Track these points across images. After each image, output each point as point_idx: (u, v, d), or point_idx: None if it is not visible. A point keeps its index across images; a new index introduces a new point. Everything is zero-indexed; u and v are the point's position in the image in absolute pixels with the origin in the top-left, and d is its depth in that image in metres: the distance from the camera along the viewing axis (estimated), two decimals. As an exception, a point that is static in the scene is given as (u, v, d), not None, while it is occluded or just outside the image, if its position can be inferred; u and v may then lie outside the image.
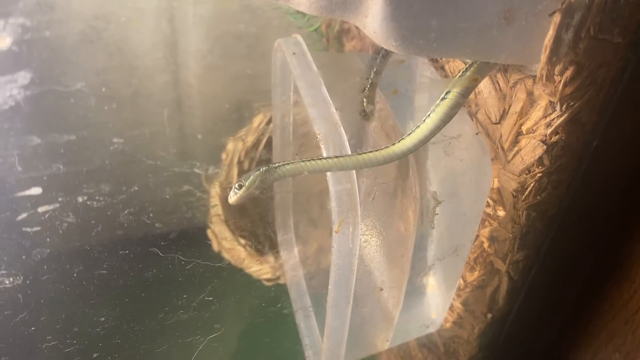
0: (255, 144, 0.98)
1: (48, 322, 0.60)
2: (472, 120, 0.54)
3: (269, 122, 0.98)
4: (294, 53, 0.55)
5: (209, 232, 0.93)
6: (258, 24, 0.96)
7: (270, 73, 0.66)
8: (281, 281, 0.89)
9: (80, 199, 0.64)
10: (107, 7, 0.87)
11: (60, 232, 0.63)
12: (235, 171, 0.97)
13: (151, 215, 0.68)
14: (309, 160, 0.44)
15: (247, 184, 0.46)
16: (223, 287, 0.66)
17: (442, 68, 0.56)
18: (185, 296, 0.61)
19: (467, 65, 0.41)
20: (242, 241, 0.91)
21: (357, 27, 0.81)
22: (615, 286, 0.59)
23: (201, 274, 0.60)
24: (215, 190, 0.95)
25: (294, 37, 0.58)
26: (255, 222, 0.96)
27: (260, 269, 0.89)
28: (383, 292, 0.56)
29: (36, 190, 0.64)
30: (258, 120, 0.98)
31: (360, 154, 0.43)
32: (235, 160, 0.97)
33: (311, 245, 0.85)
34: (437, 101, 0.41)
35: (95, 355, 0.60)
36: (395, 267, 0.55)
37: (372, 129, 0.55)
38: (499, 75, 0.50)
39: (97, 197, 0.64)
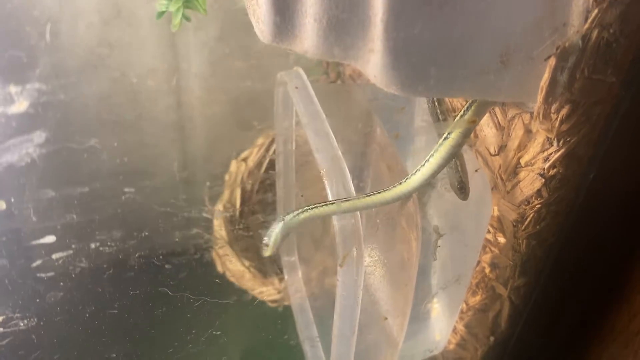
0: (258, 165, 0.99)
1: (60, 361, 0.62)
2: (472, 151, 0.56)
3: (271, 143, 0.99)
4: (296, 87, 0.56)
5: (213, 253, 0.94)
6: (258, 46, 0.97)
7: (271, 95, 0.67)
8: (286, 302, 0.90)
9: (92, 245, 0.65)
10: (110, 34, 0.88)
11: (73, 276, 0.64)
12: (238, 192, 0.98)
13: (161, 257, 0.70)
14: (322, 206, 0.45)
15: (271, 243, 0.48)
16: (231, 320, 0.67)
17: (442, 112, 0.57)
18: (194, 331, 0.62)
19: (466, 106, 0.42)
20: (247, 263, 0.92)
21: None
22: (615, 309, 0.61)
23: (209, 310, 0.61)
24: (219, 212, 0.96)
25: (295, 70, 0.59)
26: (259, 244, 0.97)
27: (264, 290, 0.90)
28: (387, 320, 0.57)
29: (50, 239, 0.65)
30: (260, 142, 0.99)
31: (369, 195, 0.45)
32: (239, 181, 0.98)
33: (315, 267, 0.86)
34: (440, 140, 0.43)
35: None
36: (399, 295, 0.56)
37: (374, 160, 0.56)
38: (497, 110, 0.51)
39: (109, 243, 0.66)
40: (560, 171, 0.47)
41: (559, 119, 0.43)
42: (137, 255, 0.67)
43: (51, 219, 0.66)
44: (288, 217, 0.47)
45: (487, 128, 0.53)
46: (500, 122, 0.51)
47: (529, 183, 0.49)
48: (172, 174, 0.90)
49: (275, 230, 0.48)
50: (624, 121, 0.44)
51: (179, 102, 0.99)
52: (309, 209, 0.46)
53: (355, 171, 0.48)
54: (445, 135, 0.42)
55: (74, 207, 0.68)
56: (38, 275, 0.65)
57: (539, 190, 0.49)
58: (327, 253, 0.81)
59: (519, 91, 0.42)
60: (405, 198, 0.46)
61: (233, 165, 0.98)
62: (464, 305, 0.66)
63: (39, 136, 0.63)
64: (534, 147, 0.48)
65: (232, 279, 0.91)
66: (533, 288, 0.59)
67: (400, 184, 0.44)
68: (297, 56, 0.88)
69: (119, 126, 0.88)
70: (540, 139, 0.47)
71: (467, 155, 0.53)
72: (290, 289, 0.84)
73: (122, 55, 0.89)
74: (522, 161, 0.49)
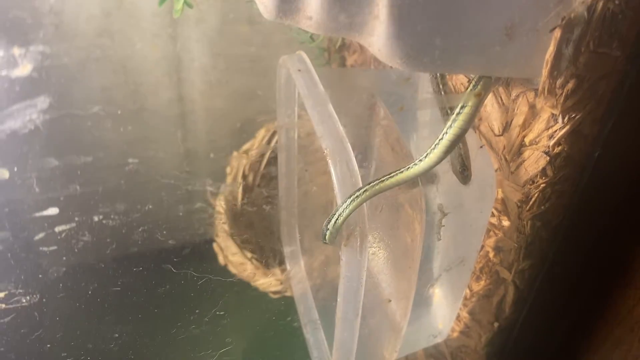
0: (259, 158, 0.99)
1: (63, 339, 0.61)
2: (475, 132, 0.55)
3: (272, 136, 0.99)
4: (299, 70, 0.56)
5: (214, 245, 0.93)
6: (260, 39, 0.97)
7: (273, 88, 0.67)
8: (288, 294, 0.90)
9: (95, 218, 0.65)
10: (111, 25, 0.88)
11: (76, 250, 0.63)
12: (240, 185, 0.98)
13: (164, 232, 0.69)
14: (354, 199, 0.45)
15: (331, 230, 0.47)
16: (234, 302, 0.67)
17: (445, 84, 0.57)
18: (197, 311, 0.61)
19: (475, 80, 0.42)
20: (248, 254, 0.92)
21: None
22: (620, 293, 0.60)
23: (213, 289, 0.61)
24: (220, 205, 0.96)
25: (298, 54, 0.59)
26: (261, 235, 0.96)
27: (266, 281, 0.89)
28: (391, 303, 0.57)
29: (53, 211, 0.65)
30: (261, 135, 0.99)
31: (394, 175, 0.45)
32: (240, 174, 0.98)
33: (317, 257, 0.85)
34: (453, 116, 0.42)
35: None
36: (402, 278, 0.56)
37: (378, 143, 0.55)
38: (501, 89, 0.51)
39: (112, 216, 0.66)
40: (565, 149, 0.47)
41: (564, 94, 0.43)
42: (140, 229, 0.67)
43: (54, 189, 0.65)
44: (335, 216, 0.46)
45: (490, 108, 0.52)
46: (504, 101, 0.51)
47: (534, 162, 0.49)
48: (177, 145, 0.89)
49: (330, 231, 0.47)
50: (629, 97, 0.44)
51: (180, 94, 0.99)
52: (356, 197, 0.46)
53: (358, 154, 0.48)
54: (458, 109, 0.42)
55: (77, 178, 0.67)
56: (41, 249, 0.64)
57: (543, 169, 0.49)
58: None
59: (524, 65, 0.42)
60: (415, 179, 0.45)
61: (234, 157, 0.98)
62: (468, 291, 0.65)
63: (43, 101, 0.62)
64: (539, 125, 0.47)
65: (234, 271, 0.90)
66: (538, 271, 0.58)
67: (421, 160, 0.44)
68: (301, 47, 0.88)
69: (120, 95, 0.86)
70: (545, 116, 0.47)
71: (470, 135, 0.53)
72: (293, 278, 0.83)
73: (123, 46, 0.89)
74: (527, 140, 0.49)
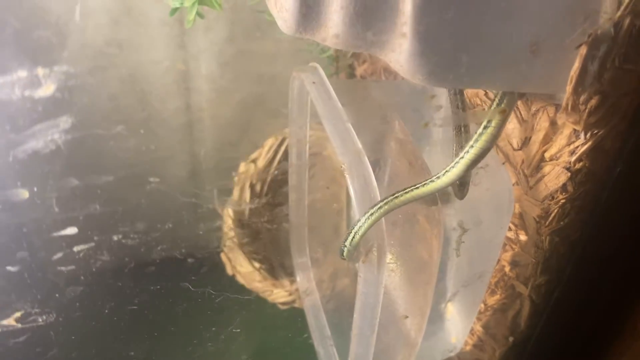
0: (267, 167, 0.99)
1: (78, 358, 0.60)
2: (493, 147, 0.55)
3: (280, 144, 0.98)
4: (313, 82, 0.55)
5: (222, 255, 0.93)
6: (268, 48, 0.97)
7: (281, 97, 0.67)
8: (296, 305, 0.89)
9: (115, 238, 0.64)
10: (119, 34, 0.88)
11: (94, 270, 0.63)
12: (247, 194, 0.97)
13: (183, 250, 0.69)
14: (372, 213, 0.44)
15: (348, 246, 0.47)
16: (250, 319, 0.66)
17: (463, 101, 0.57)
18: (213, 329, 0.61)
19: (499, 97, 0.42)
20: (257, 265, 0.91)
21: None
22: (637, 307, 0.59)
23: (230, 307, 0.60)
24: (227, 214, 0.95)
25: (312, 66, 0.58)
26: (269, 245, 0.96)
27: (275, 292, 0.89)
28: (406, 319, 0.56)
29: (72, 230, 0.64)
30: (270, 143, 0.99)
31: (415, 189, 0.44)
32: (248, 183, 0.98)
33: (326, 268, 0.85)
34: (480, 130, 0.42)
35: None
36: (418, 294, 0.55)
37: (393, 156, 0.55)
38: (520, 104, 0.50)
39: (131, 236, 0.65)
40: (587, 165, 0.46)
41: (587, 110, 0.43)
42: (159, 248, 0.66)
43: (74, 209, 0.65)
44: (355, 231, 0.46)
45: (509, 122, 0.52)
46: (523, 115, 0.50)
47: (554, 177, 0.48)
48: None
49: (347, 249, 0.47)
50: (653, 112, 0.44)
51: (187, 103, 0.98)
52: (374, 212, 0.45)
53: (373, 167, 0.47)
54: (482, 127, 0.41)
55: (98, 197, 0.67)
56: (58, 268, 0.64)
57: (564, 185, 0.48)
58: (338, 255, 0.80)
59: (548, 82, 0.41)
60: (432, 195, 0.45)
61: (242, 167, 0.97)
62: (482, 305, 0.65)
63: (65, 121, 0.62)
64: (560, 140, 0.47)
65: (242, 281, 0.90)
66: (555, 286, 0.58)
67: (440, 176, 0.43)
68: (310, 57, 0.88)
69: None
70: (566, 131, 0.46)
71: (491, 165, 0.52)
72: (302, 290, 0.83)
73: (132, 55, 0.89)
74: (547, 155, 0.49)
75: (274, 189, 1.00)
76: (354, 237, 0.46)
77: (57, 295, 0.62)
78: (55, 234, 0.64)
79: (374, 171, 0.48)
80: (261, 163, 0.98)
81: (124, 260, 0.65)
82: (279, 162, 0.98)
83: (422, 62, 0.37)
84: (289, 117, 0.68)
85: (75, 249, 0.64)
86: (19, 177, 0.66)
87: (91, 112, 0.75)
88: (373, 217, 0.45)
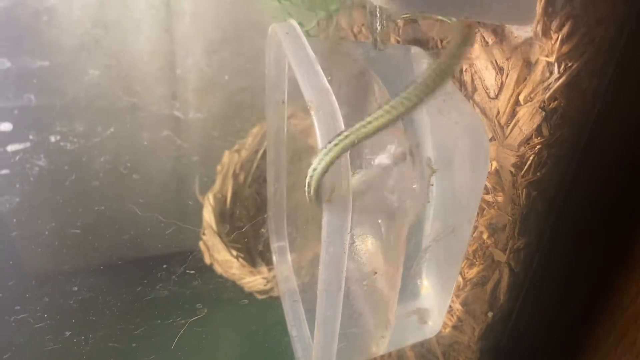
0: (251, 157, 0.97)
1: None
2: (469, 102, 0.53)
3: (265, 135, 0.97)
4: (287, 32, 0.54)
5: (200, 243, 0.90)
6: (256, 37, 0.96)
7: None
8: (274, 294, 0.86)
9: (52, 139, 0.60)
10: (106, 15, 0.87)
11: (31, 179, 0.59)
12: (230, 183, 0.95)
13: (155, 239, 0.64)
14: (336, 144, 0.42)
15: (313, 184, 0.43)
16: (219, 303, 0.62)
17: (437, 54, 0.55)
18: (178, 316, 0.57)
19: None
20: (234, 253, 0.88)
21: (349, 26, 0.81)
22: (623, 279, 0.56)
23: (199, 292, 0.56)
24: (209, 202, 0.93)
25: (289, 22, 0.57)
26: (249, 235, 0.93)
27: (252, 280, 0.85)
28: (376, 275, 0.53)
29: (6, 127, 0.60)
30: (254, 133, 0.97)
31: (376, 117, 0.42)
32: (231, 172, 0.96)
33: (305, 255, 0.82)
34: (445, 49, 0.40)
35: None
36: (389, 248, 0.52)
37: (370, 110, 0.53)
38: (495, 51, 0.49)
39: (70, 138, 0.61)
40: (562, 104, 0.45)
41: (559, 38, 0.41)
42: (132, 232, 0.62)
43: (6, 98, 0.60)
44: (323, 152, 0.42)
45: (485, 71, 0.50)
46: (498, 62, 0.49)
47: (529, 119, 0.46)
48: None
49: (313, 166, 0.43)
50: (628, 44, 0.42)
51: (173, 91, 0.97)
52: (338, 142, 0.42)
53: (349, 110, 0.45)
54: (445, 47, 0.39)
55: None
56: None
57: (539, 127, 0.46)
58: (317, 240, 0.78)
59: (515, 7, 0.40)
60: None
61: (226, 156, 0.96)
62: (461, 279, 0.62)
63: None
64: (534, 77, 0.45)
65: (219, 270, 0.87)
66: (534, 251, 0.55)
67: (407, 98, 0.40)
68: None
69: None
70: (540, 66, 0.44)
71: (458, 95, 0.50)
72: (279, 275, 0.80)
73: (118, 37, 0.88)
74: (521, 97, 0.47)
75: (257, 181, 0.98)
76: (314, 169, 0.43)
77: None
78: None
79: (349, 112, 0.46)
80: (245, 153, 0.97)
81: (63, 169, 0.60)
82: (263, 152, 0.96)
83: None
84: (265, 84, 0.66)
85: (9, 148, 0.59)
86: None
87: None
88: (338, 147, 0.42)
